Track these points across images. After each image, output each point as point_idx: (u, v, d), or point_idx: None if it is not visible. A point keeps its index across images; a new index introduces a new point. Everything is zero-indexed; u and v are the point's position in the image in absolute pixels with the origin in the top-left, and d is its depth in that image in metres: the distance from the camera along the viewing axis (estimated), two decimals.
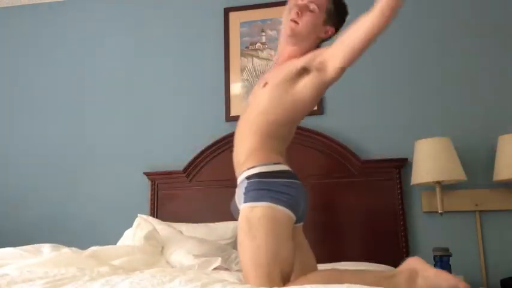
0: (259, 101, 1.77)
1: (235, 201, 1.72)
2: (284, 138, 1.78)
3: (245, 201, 1.59)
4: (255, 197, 1.57)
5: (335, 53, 1.62)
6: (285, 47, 1.84)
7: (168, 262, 2.35)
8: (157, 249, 2.39)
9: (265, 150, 1.69)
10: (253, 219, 1.52)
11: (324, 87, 1.71)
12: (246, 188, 1.62)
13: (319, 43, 1.84)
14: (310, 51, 1.74)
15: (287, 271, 1.50)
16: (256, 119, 1.72)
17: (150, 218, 2.90)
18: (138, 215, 2.72)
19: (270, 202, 1.54)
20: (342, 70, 1.64)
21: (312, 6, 1.76)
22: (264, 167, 1.63)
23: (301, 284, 1.30)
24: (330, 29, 1.82)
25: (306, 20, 1.77)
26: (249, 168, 1.65)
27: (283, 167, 1.66)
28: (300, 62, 1.71)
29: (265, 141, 1.70)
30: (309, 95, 1.70)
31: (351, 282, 1.25)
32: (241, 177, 1.68)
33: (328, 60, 1.64)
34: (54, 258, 1.71)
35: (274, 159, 1.67)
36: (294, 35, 1.78)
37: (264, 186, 1.58)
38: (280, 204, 1.55)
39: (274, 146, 1.72)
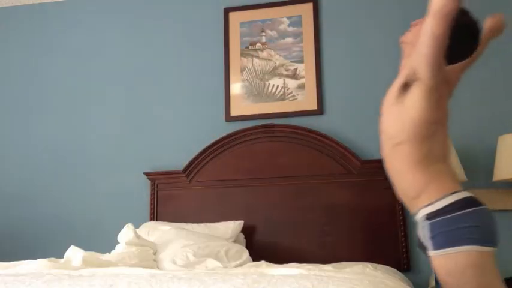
0: (385, 125, 1.67)
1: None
2: (437, 150, 1.60)
3: (435, 248, 1.46)
4: (447, 240, 1.44)
5: (417, 64, 1.56)
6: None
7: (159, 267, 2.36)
8: (147, 253, 2.40)
9: (435, 181, 1.54)
10: (456, 273, 1.42)
11: (432, 94, 1.56)
12: (430, 230, 1.49)
13: None
14: None
15: None
16: (396, 153, 1.61)
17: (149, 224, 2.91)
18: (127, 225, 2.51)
19: (466, 245, 1.42)
20: (434, 75, 1.53)
21: None
22: (443, 201, 1.49)
23: None
24: None
25: None
26: (426, 206, 1.52)
27: (462, 195, 1.51)
28: (400, 79, 1.63)
29: (427, 171, 1.55)
30: (421, 107, 1.56)
31: None
32: (418, 216, 1.56)
33: (417, 70, 1.56)
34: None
35: (451, 188, 1.52)
36: None
37: (451, 225, 1.45)
38: (477, 244, 1.43)
39: (437, 169, 1.56)
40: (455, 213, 1.46)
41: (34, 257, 2.32)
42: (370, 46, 3.23)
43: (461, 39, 1.59)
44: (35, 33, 3.75)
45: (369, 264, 2.24)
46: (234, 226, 2.87)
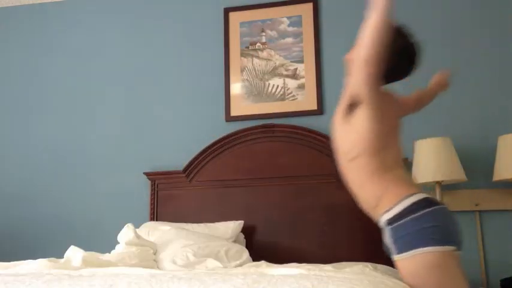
0: (338, 143, 1.73)
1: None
2: (390, 159, 1.65)
3: (398, 251, 1.49)
4: (408, 243, 1.46)
5: (357, 88, 1.61)
6: None
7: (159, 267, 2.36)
8: (147, 253, 2.40)
9: (391, 187, 1.58)
10: (420, 275, 1.43)
11: (376, 113, 1.62)
12: (392, 235, 1.52)
13: None
14: None
15: None
16: (352, 167, 1.66)
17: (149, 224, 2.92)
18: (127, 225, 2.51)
19: (428, 246, 1.44)
20: (373, 97, 1.59)
21: None
22: (400, 205, 1.52)
23: None
24: None
25: None
26: (386, 212, 1.55)
27: (418, 197, 1.53)
28: (345, 101, 1.68)
29: (383, 179, 1.60)
30: (367, 126, 1.62)
31: None
32: (381, 223, 1.59)
33: (358, 93, 1.61)
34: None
35: (407, 192, 1.55)
36: None
37: (411, 228, 1.47)
38: (439, 244, 1.44)
39: (393, 175, 1.61)
40: (413, 215, 1.48)
41: (34, 257, 2.32)
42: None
43: (399, 61, 1.69)
44: (35, 33, 3.75)
45: (369, 264, 2.23)
46: (234, 226, 2.87)
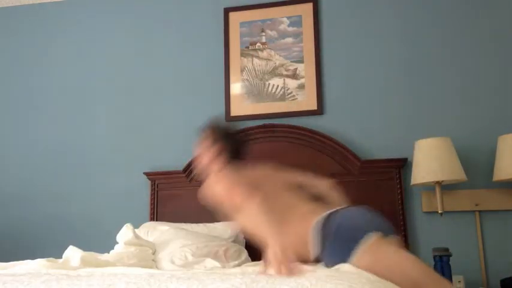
0: (242, 225, 1.97)
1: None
2: (292, 203, 1.86)
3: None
4: (342, 261, 1.57)
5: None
6: None
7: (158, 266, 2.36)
8: (146, 253, 2.40)
9: (302, 228, 1.72)
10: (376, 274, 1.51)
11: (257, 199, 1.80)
12: (327, 265, 1.62)
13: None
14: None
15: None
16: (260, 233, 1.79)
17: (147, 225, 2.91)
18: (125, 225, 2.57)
19: (354, 250, 1.55)
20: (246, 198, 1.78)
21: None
22: (314, 238, 1.65)
23: None
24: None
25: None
26: (312, 252, 1.66)
27: (321, 220, 1.66)
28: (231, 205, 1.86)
29: (295, 226, 1.74)
30: (252, 208, 1.77)
31: None
32: (317, 262, 1.70)
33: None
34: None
35: (309, 224, 1.68)
36: None
37: (333, 248, 1.60)
38: (360, 243, 1.56)
39: (299, 216, 1.77)
40: (326, 237, 1.62)
41: (34, 257, 2.32)
42: (370, 46, 3.23)
43: (230, 145, 2.10)
44: (35, 33, 3.75)
45: None
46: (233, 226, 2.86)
